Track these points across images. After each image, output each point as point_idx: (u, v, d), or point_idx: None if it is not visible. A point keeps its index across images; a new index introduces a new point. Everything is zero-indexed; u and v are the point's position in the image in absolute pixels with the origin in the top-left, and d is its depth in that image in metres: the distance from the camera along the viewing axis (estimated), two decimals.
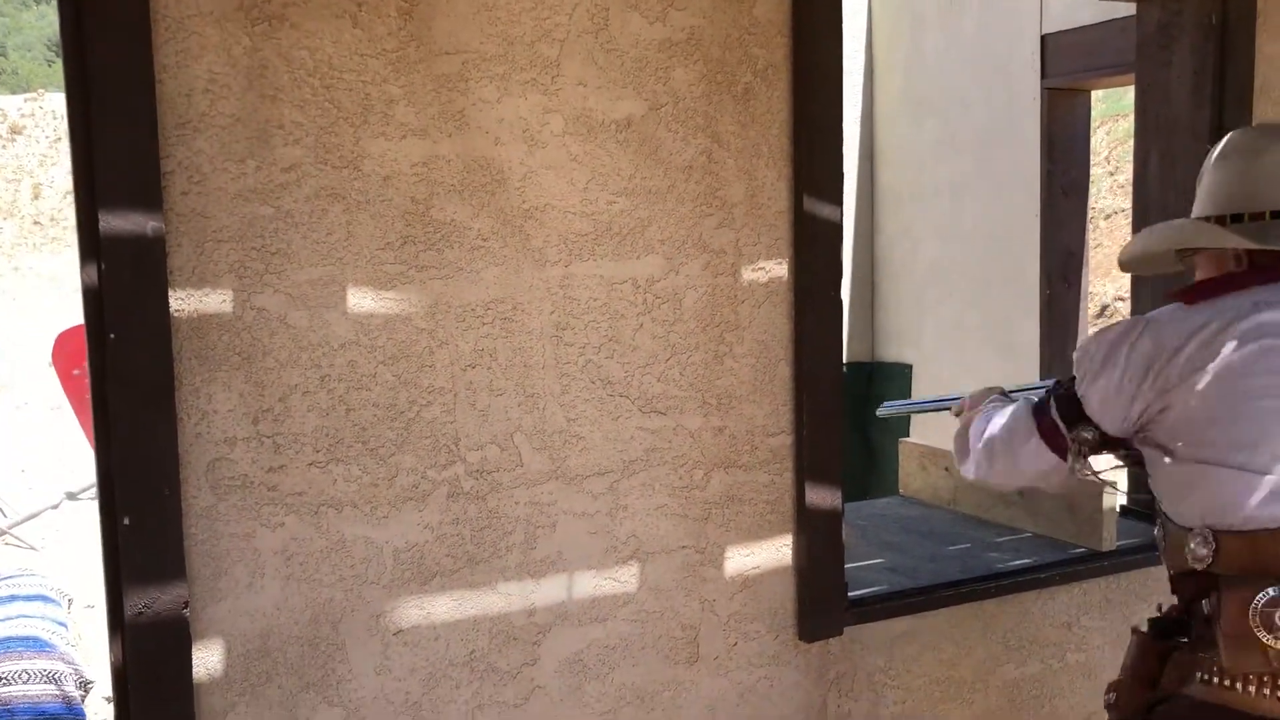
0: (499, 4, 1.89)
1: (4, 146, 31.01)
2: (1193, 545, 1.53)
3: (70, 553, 6.13)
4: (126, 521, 1.67)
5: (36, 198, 28.81)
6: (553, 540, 2.01)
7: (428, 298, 1.89)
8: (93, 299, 1.67)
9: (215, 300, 1.73)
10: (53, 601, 4.40)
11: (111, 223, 1.63)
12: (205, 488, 1.74)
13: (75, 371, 7.01)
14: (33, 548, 6.18)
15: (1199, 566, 1.53)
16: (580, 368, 2.02)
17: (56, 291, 21.10)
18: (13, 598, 4.33)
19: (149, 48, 1.64)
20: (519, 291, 1.96)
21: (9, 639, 3.88)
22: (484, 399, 1.94)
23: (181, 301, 1.71)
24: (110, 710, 4.19)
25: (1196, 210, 1.73)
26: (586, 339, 2.02)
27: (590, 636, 2.06)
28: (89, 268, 1.66)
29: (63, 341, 6.93)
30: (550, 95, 1.95)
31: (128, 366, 1.66)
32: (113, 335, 1.65)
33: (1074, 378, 1.69)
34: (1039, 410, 1.73)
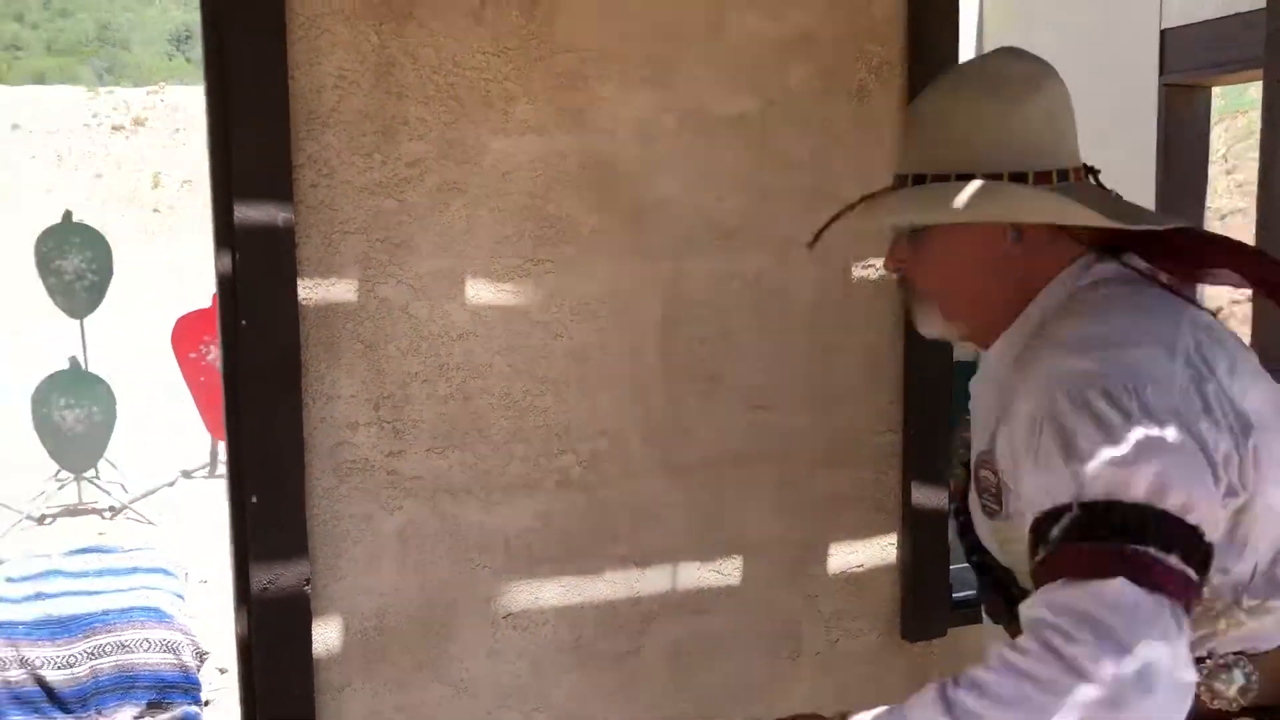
0: (618, 2, 1.92)
1: (127, 138, 32.25)
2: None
3: (185, 528, 6.38)
4: (254, 500, 1.74)
5: (156, 187, 29.91)
6: (658, 531, 2.04)
7: (543, 290, 1.93)
8: (226, 286, 1.74)
9: (341, 290, 1.80)
10: (172, 575, 4.59)
11: (245, 214, 1.70)
12: (328, 470, 1.81)
13: (191, 355, 7.29)
14: (151, 522, 6.43)
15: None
16: (689, 362, 2.04)
17: (174, 277, 21.94)
18: (135, 569, 4.53)
19: (284, 45, 1.71)
20: (631, 285, 1.98)
21: (132, 609, 4.06)
22: (595, 391, 1.98)
23: (309, 290, 1.77)
24: (223, 680, 4.36)
25: (936, 163, 1.26)
26: (695, 333, 2.04)
27: (693, 627, 2.08)
28: (223, 256, 1.74)
29: (181, 326, 7.21)
30: (666, 92, 1.97)
31: (258, 352, 1.73)
32: (244, 322, 1.72)
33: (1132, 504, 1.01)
34: (1135, 566, 0.98)
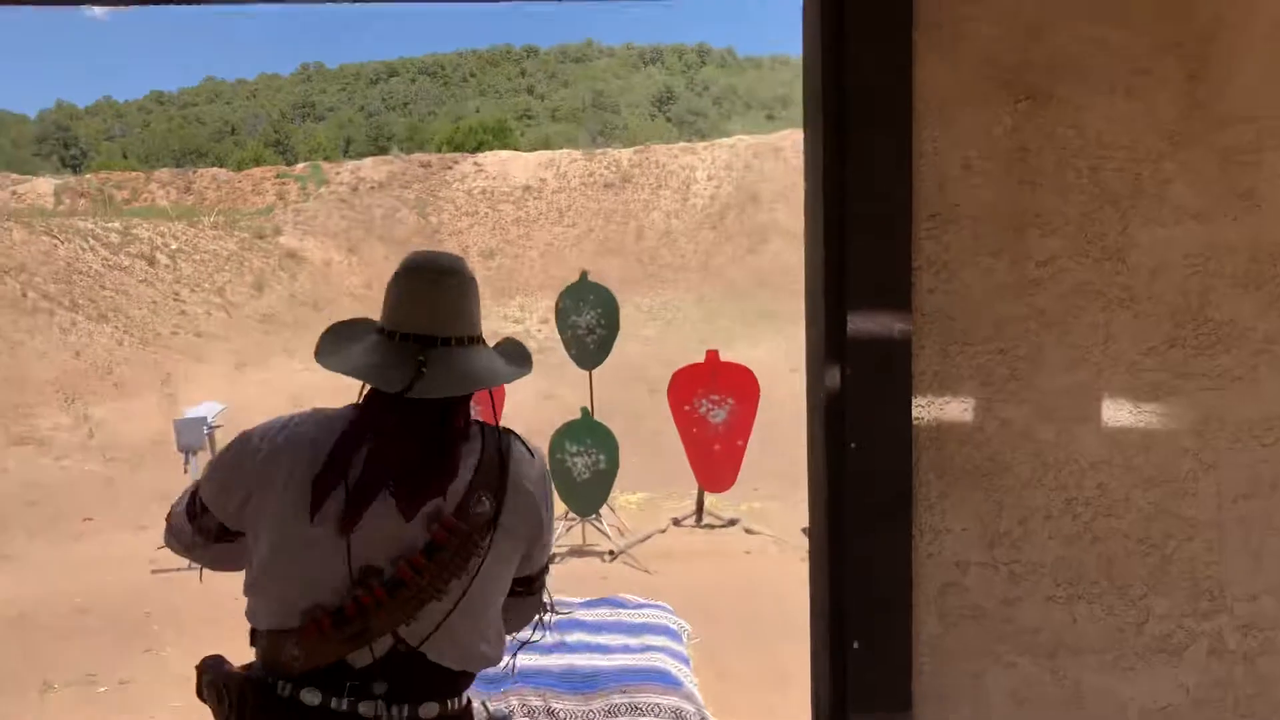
0: None
1: (615, 193, 35.30)
2: None
3: (676, 576, 6.57)
4: (856, 646, 1.55)
5: (639, 239, 32.43)
6: None
7: (1194, 411, 1.57)
8: (834, 405, 1.57)
9: (956, 409, 1.57)
10: (677, 637, 4.66)
11: (859, 324, 1.53)
12: (934, 614, 1.58)
13: (685, 408, 7.54)
14: (646, 570, 6.68)
15: None
16: None
17: (653, 323, 23.49)
18: (644, 627, 4.65)
19: (909, 135, 1.52)
20: None
21: (645, 670, 4.14)
22: (1258, 538, 1.58)
23: (922, 409, 1.56)
24: None
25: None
26: None
27: None
28: (831, 370, 1.58)
29: (677, 380, 7.49)
30: None
31: (866, 478, 1.54)
32: (853, 444, 1.54)
33: None
34: (182, 500, 1.86)
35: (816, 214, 1.60)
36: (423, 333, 1.70)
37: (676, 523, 7.78)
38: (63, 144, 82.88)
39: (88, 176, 43.01)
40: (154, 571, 6.61)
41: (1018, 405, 1.56)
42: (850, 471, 1.54)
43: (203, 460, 7.59)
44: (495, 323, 24.28)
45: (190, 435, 6.83)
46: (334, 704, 1.67)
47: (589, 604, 4.93)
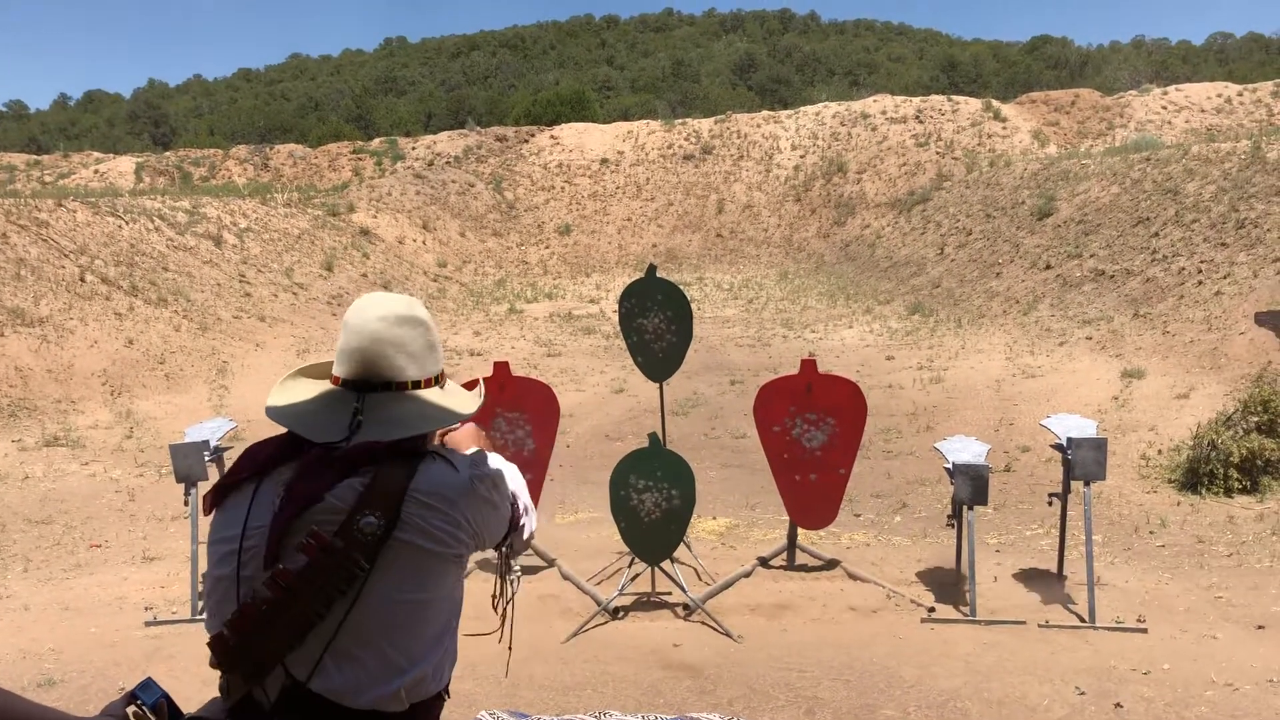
0: None
1: (696, 165, 33.96)
2: None
3: (761, 641, 5.36)
4: None
5: (720, 212, 31.10)
6: None
7: None
8: None
9: None
10: None
11: None
12: None
13: (775, 428, 6.30)
14: (730, 635, 5.46)
15: None
16: None
17: (735, 302, 22.21)
18: None
19: None
20: None
21: None
22: None
23: None
24: None
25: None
26: None
27: None
28: None
29: (765, 395, 6.25)
30: None
31: None
32: None
33: None
34: None
35: None
36: (357, 378, 1.87)
37: (764, 563, 6.54)
38: (153, 122, 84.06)
39: (167, 154, 42.93)
40: (148, 624, 5.60)
41: None
42: None
43: (204, 491, 6.58)
44: (570, 301, 23.21)
45: (189, 462, 5.77)
46: None
47: None
